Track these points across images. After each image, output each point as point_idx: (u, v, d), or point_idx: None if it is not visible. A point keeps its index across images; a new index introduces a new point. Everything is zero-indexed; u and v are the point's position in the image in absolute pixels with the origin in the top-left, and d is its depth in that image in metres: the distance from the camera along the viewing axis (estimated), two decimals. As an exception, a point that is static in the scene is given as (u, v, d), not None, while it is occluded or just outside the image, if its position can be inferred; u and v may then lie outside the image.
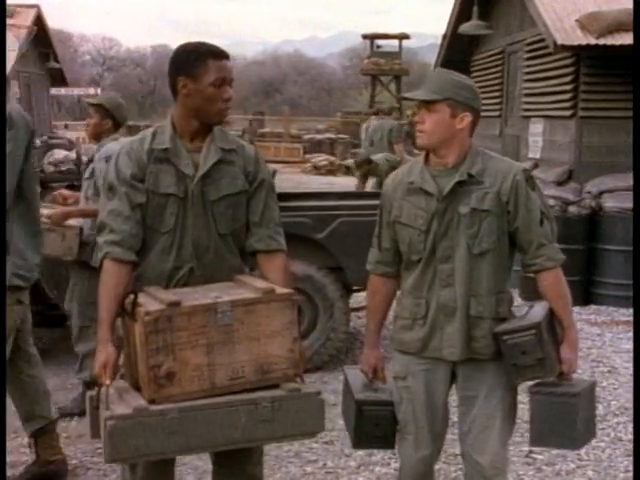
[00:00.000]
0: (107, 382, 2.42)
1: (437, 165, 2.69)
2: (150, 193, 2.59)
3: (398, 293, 2.87)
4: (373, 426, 2.78)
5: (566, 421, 2.63)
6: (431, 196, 2.65)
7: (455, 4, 12.35)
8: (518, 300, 6.07)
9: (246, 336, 2.43)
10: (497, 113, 11.47)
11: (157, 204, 2.59)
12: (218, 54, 2.59)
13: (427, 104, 2.62)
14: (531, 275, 2.76)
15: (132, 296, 2.46)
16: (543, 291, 2.70)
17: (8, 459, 3.99)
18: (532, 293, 2.79)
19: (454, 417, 2.89)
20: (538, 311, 2.65)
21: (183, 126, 2.64)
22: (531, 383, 2.70)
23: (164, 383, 2.35)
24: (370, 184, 11.84)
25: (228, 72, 2.60)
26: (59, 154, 5.99)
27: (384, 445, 2.91)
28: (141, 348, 2.37)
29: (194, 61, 2.56)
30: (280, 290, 2.50)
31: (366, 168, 11.59)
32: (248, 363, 2.43)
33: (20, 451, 4.16)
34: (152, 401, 2.36)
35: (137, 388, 2.47)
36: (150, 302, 2.41)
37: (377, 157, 11.12)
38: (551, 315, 2.66)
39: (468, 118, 2.64)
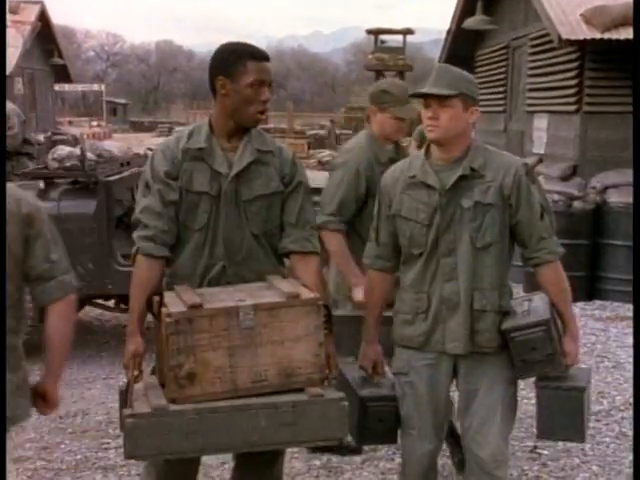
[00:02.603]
0: (134, 373, 2.45)
1: (438, 159, 2.70)
2: (184, 191, 2.60)
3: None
4: (377, 422, 2.77)
5: (574, 414, 2.66)
6: (434, 190, 2.66)
7: (459, -1, 12.34)
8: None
9: (269, 340, 2.41)
10: (501, 108, 11.45)
11: (190, 202, 2.61)
12: (258, 55, 2.59)
13: (441, 99, 2.62)
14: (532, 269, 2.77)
15: (158, 297, 2.49)
16: (544, 285, 2.72)
17: (14, 454, 4.01)
18: (536, 288, 2.79)
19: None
20: (541, 305, 2.65)
21: (220, 125, 2.64)
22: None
23: (184, 383, 2.36)
24: None
25: (267, 74, 2.60)
26: (63, 150, 5.95)
27: (387, 440, 2.91)
28: (164, 348, 2.39)
29: (233, 61, 2.56)
30: (306, 295, 2.47)
31: None
32: (271, 366, 2.42)
33: (26, 447, 4.18)
34: (172, 400, 2.36)
35: (164, 385, 2.48)
36: (174, 303, 2.42)
37: None
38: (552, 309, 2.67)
39: (477, 112, 2.67)
